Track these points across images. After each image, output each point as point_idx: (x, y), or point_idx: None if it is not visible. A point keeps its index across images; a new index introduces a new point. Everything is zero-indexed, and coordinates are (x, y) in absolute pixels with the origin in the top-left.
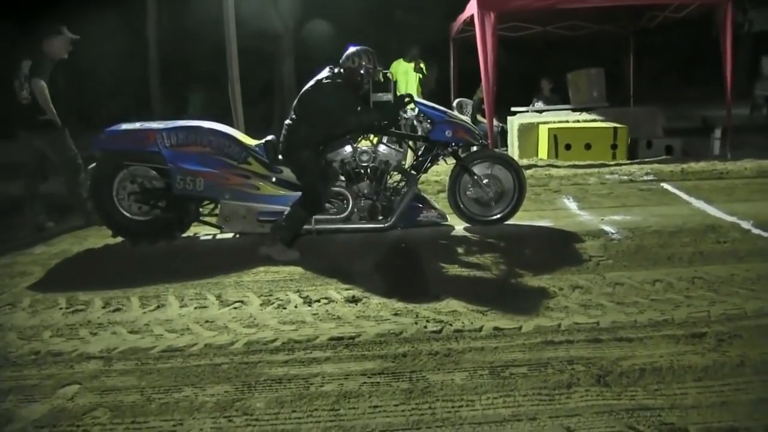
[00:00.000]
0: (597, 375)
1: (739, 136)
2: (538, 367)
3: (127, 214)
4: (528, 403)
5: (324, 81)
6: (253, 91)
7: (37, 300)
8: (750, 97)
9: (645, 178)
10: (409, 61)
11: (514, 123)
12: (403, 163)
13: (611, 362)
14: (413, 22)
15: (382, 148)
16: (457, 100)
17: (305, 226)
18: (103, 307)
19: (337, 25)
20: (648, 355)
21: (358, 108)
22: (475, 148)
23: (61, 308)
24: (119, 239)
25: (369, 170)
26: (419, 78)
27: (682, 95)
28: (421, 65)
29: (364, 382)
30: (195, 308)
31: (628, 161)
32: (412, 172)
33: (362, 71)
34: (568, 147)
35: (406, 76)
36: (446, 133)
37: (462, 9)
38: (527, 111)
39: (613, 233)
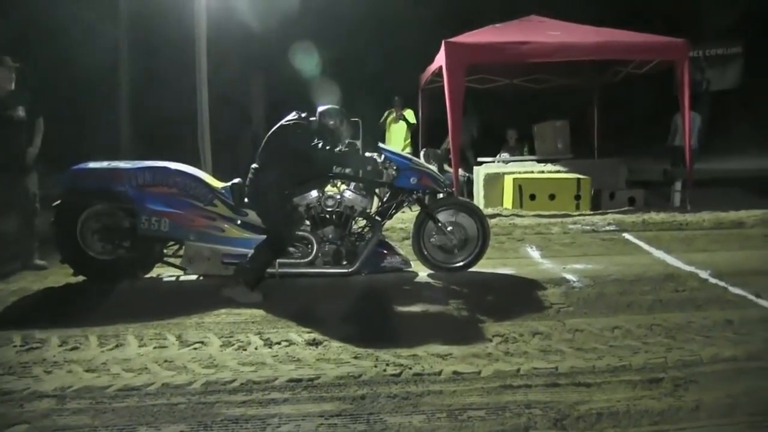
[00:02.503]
0: (554, 419)
1: (698, 188)
2: (495, 411)
3: (91, 253)
4: None
5: (288, 123)
6: (224, 137)
7: None
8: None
9: (607, 228)
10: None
11: (480, 173)
12: (368, 209)
13: (569, 406)
14: (385, 72)
15: (347, 193)
16: (424, 150)
17: (269, 270)
18: (60, 346)
19: (309, 75)
20: (605, 399)
21: (320, 145)
22: (440, 196)
23: (14, 346)
24: (80, 278)
25: (334, 215)
26: (407, 126)
27: (644, 148)
28: (405, 114)
29: (322, 423)
30: (154, 348)
31: (591, 212)
32: (377, 218)
33: (330, 128)
34: (532, 197)
35: (393, 125)
36: (411, 180)
37: (431, 60)
38: (493, 161)
39: (574, 281)
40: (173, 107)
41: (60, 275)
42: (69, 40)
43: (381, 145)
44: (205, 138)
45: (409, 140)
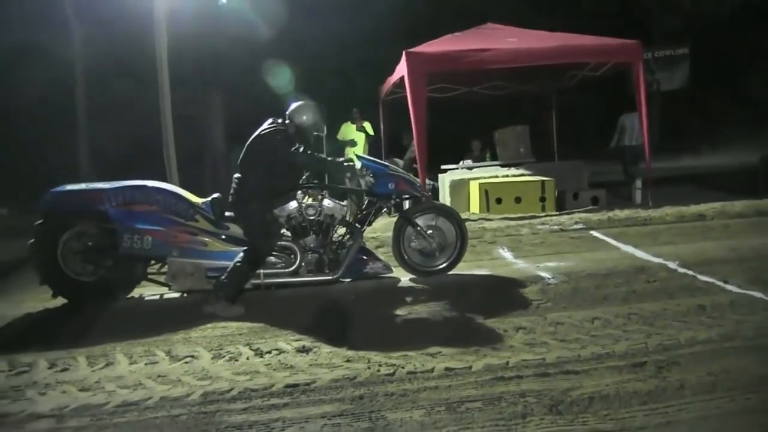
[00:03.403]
0: (549, 405)
1: (655, 186)
2: (492, 401)
3: (71, 275)
4: None
5: (266, 130)
6: (184, 157)
7: None
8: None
9: (574, 227)
10: (353, 123)
11: (445, 180)
12: (348, 217)
13: (561, 393)
14: (344, 86)
15: (326, 202)
16: (388, 160)
17: (254, 281)
18: (49, 368)
19: (268, 90)
20: (595, 384)
21: (300, 149)
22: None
23: (2, 371)
24: (58, 302)
25: (315, 224)
26: (365, 137)
27: (601, 149)
28: (364, 125)
29: (325, 424)
30: (145, 364)
31: (557, 212)
32: (357, 225)
33: (305, 124)
34: (499, 201)
35: (354, 136)
36: (389, 185)
37: (390, 72)
38: (457, 168)
39: (549, 278)
40: (133, 129)
41: (36, 301)
42: (23, 65)
43: (357, 153)
44: (170, 157)
45: (367, 151)
